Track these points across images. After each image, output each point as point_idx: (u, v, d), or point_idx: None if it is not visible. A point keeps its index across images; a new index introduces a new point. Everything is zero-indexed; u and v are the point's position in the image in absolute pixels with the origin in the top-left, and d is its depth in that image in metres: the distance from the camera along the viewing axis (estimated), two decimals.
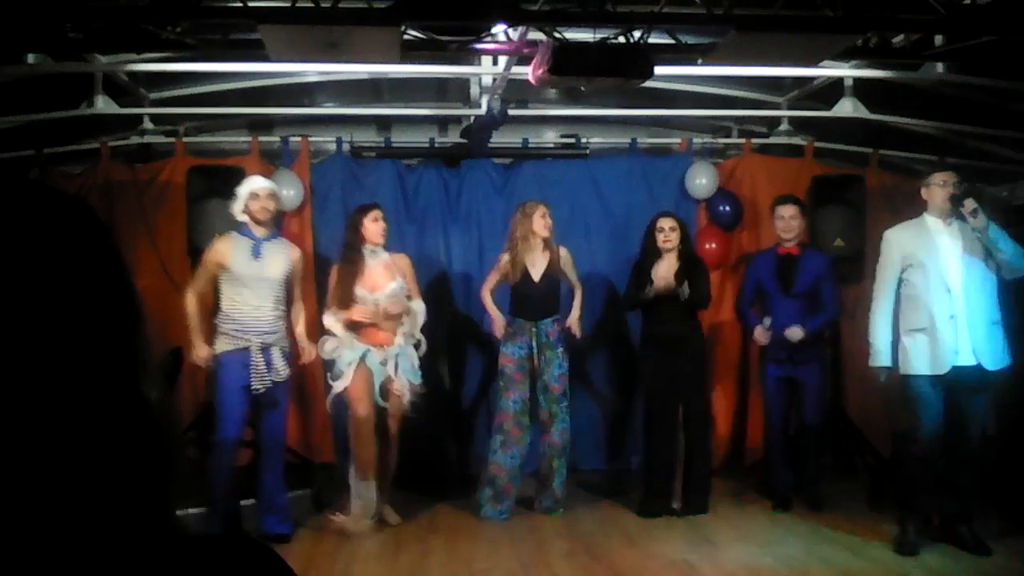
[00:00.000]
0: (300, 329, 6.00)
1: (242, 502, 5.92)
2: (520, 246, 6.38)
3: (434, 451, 7.47)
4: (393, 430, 6.15)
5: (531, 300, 6.38)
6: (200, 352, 5.64)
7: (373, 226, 6.08)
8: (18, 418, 0.72)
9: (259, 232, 5.77)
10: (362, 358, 5.96)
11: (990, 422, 5.56)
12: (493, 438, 6.50)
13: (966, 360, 5.27)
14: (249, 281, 5.66)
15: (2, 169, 6.80)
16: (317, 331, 6.32)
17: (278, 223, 6.46)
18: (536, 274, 6.39)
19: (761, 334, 6.45)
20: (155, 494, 0.80)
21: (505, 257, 6.46)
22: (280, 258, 5.81)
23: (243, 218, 5.76)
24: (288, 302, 5.88)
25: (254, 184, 5.84)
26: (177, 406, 6.68)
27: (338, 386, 5.98)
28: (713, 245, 7.80)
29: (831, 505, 6.47)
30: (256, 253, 5.70)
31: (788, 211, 6.52)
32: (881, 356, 5.55)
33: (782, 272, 6.49)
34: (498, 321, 6.47)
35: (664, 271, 6.40)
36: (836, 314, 6.60)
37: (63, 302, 0.76)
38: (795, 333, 6.35)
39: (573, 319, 6.50)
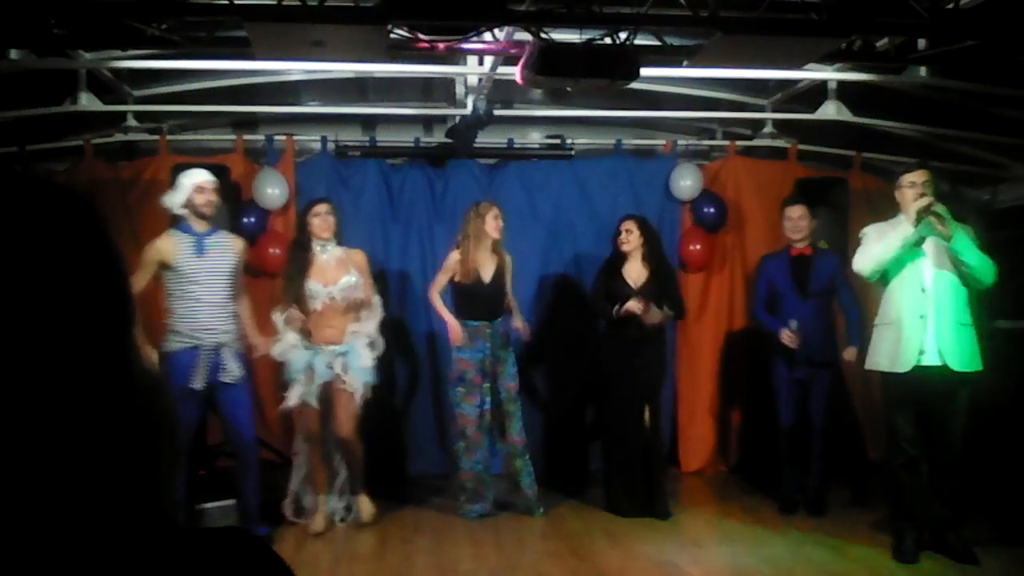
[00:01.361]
0: (247, 321, 5.81)
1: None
2: (471, 245, 6.31)
3: (410, 452, 7.47)
4: (347, 430, 5.97)
5: (483, 301, 6.30)
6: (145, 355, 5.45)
7: (315, 221, 5.97)
8: (9, 408, 0.72)
9: (200, 227, 5.56)
10: (310, 363, 5.86)
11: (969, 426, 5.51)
12: (457, 445, 6.45)
13: (931, 360, 5.21)
14: (197, 279, 5.47)
15: None
16: None
17: (229, 219, 6.35)
18: (486, 275, 6.32)
19: (790, 338, 6.31)
20: (149, 486, 0.80)
21: (455, 256, 6.37)
22: (226, 252, 5.63)
23: (182, 212, 5.54)
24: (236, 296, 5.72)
25: (199, 177, 5.58)
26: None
27: (292, 397, 5.88)
28: (697, 247, 7.83)
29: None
30: (200, 250, 5.51)
31: (796, 212, 6.54)
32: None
33: (796, 273, 6.47)
34: (455, 329, 6.29)
35: (634, 276, 6.38)
36: (860, 312, 6.55)
37: (55, 291, 0.76)
38: (850, 354, 6.35)
39: (522, 322, 6.47)
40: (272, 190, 7.33)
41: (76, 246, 0.78)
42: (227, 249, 5.65)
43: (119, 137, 7.64)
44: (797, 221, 6.51)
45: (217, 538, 0.85)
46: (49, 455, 0.73)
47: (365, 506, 6.21)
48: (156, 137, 7.61)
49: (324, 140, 7.73)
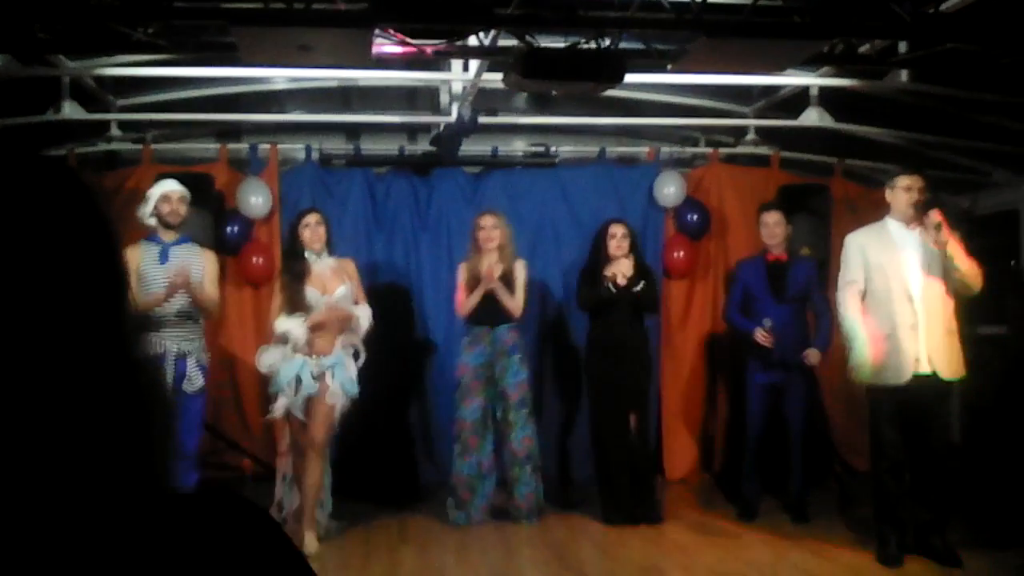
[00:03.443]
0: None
1: None
2: (472, 256, 6.42)
3: (396, 460, 7.43)
4: (319, 441, 5.78)
5: (486, 306, 6.33)
6: None
7: (306, 232, 5.90)
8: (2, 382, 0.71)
9: (167, 237, 5.64)
10: (298, 374, 5.73)
11: (954, 431, 5.54)
12: (453, 447, 6.48)
13: (923, 369, 5.25)
14: (159, 286, 5.51)
15: None
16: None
17: (232, 232, 6.37)
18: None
19: (764, 337, 6.33)
20: (143, 452, 0.80)
21: (462, 268, 6.49)
22: (191, 263, 5.66)
23: (151, 222, 5.64)
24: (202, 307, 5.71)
25: (166, 187, 5.70)
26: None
27: (279, 408, 5.74)
28: (681, 254, 7.86)
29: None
30: (164, 258, 5.58)
31: (772, 218, 6.57)
32: (863, 351, 5.35)
33: (772, 278, 6.51)
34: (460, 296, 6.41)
35: (620, 272, 6.40)
36: (831, 318, 6.57)
37: (46, 261, 0.76)
38: (813, 356, 6.33)
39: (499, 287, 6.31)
40: (256, 199, 7.31)
41: (66, 216, 0.78)
42: (193, 260, 5.70)
43: (103, 146, 7.62)
44: (772, 227, 6.55)
45: (209, 501, 0.85)
46: (42, 423, 0.73)
47: (310, 542, 5.78)
48: (140, 146, 7.58)
49: (308, 149, 7.72)
